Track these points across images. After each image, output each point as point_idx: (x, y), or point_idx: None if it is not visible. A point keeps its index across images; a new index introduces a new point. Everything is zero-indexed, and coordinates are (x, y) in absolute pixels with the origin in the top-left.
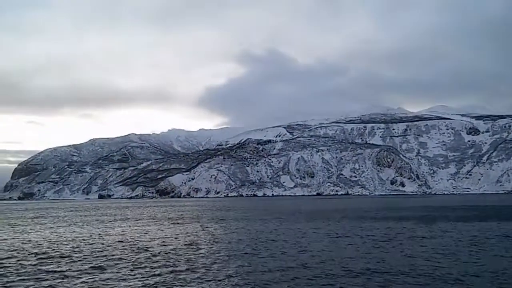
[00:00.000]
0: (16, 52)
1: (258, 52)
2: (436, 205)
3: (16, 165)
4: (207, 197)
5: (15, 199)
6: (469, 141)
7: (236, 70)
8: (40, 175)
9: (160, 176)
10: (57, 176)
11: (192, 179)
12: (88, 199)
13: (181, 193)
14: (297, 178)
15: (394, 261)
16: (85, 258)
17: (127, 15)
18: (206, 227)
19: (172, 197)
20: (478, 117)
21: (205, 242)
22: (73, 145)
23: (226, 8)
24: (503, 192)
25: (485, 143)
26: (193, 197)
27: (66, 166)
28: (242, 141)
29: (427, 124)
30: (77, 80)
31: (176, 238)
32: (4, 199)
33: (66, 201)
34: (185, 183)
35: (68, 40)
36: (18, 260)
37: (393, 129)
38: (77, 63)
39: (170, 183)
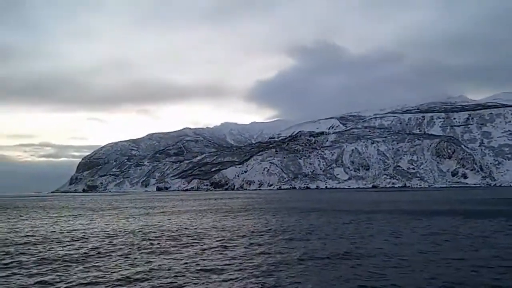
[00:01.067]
0: (80, 54)
1: (309, 44)
2: (503, 197)
3: (80, 159)
4: (259, 189)
5: (79, 192)
6: None
7: (287, 63)
8: (102, 168)
9: (214, 169)
10: (118, 170)
11: (245, 171)
12: (147, 191)
13: (234, 186)
14: (351, 170)
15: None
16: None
17: (180, 13)
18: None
19: (226, 189)
20: None
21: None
22: (132, 139)
23: (277, 1)
24: None
25: None
26: (246, 189)
27: (126, 160)
28: (294, 133)
29: (491, 113)
30: (134, 78)
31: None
32: (70, 192)
33: (129, 194)
34: (238, 176)
35: (125, 40)
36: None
37: (454, 119)
38: (134, 62)
39: (224, 175)
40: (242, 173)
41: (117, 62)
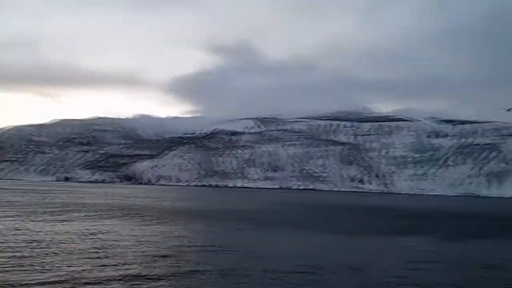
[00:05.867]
0: None
1: (233, 43)
2: (392, 204)
3: None
4: (169, 185)
5: None
6: (430, 144)
7: (209, 60)
8: None
9: (124, 162)
10: (15, 156)
11: (157, 166)
12: (45, 181)
13: (144, 180)
14: (262, 171)
15: None
16: None
17: None
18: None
19: (135, 183)
20: (443, 121)
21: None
22: (35, 124)
23: None
24: (456, 194)
25: (447, 146)
26: (155, 184)
27: (25, 146)
28: (210, 131)
29: (391, 125)
30: (44, 58)
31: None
32: None
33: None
34: (149, 170)
35: (38, 18)
36: None
37: (358, 128)
38: (46, 41)
39: (134, 169)
40: (153, 168)
41: (26, 40)
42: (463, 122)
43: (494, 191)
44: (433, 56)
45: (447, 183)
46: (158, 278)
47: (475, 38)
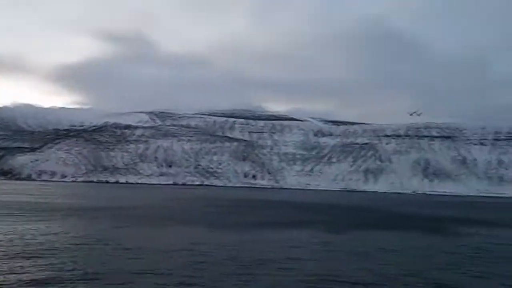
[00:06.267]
0: None
1: (125, 33)
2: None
3: None
4: (53, 181)
5: None
6: (317, 142)
7: (98, 48)
8: None
9: (0, 154)
10: None
11: (39, 160)
12: None
13: (24, 175)
14: (156, 166)
15: None
16: None
17: None
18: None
19: (13, 178)
20: (329, 122)
21: None
22: None
23: None
24: (338, 189)
25: (331, 145)
26: (36, 180)
27: None
28: (100, 123)
29: (283, 124)
30: None
31: None
32: None
33: None
34: (29, 164)
35: None
36: None
37: (252, 125)
38: None
39: (12, 163)
40: (34, 162)
41: None
42: (346, 123)
43: (370, 186)
44: (322, 60)
45: (331, 178)
46: (22, 283)
47: (360, 45)
